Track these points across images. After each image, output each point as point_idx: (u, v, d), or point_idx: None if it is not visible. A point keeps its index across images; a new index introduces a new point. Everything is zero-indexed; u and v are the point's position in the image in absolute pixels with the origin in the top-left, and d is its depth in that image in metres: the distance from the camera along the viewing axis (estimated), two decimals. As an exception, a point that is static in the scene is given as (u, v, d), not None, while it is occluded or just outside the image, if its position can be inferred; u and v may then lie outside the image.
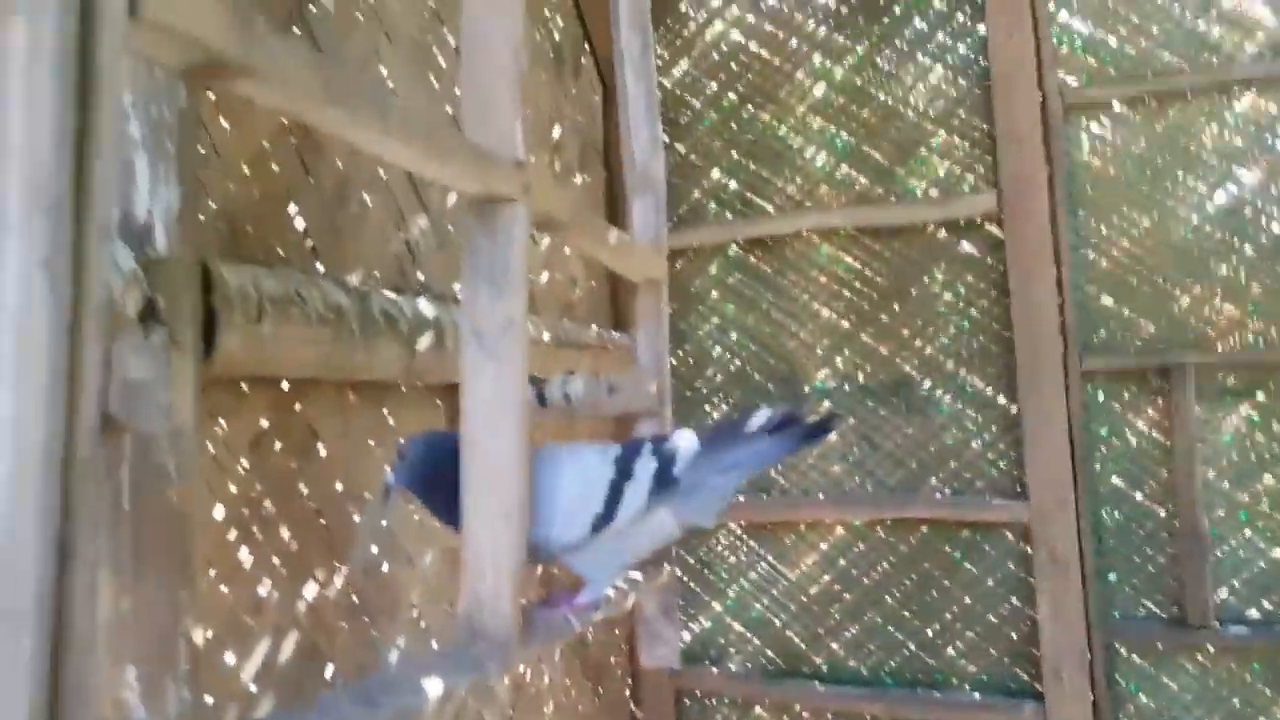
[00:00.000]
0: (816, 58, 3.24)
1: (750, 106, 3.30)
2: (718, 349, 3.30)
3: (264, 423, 1.57)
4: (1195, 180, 2.88)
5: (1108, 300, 2.94)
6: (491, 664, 1.36)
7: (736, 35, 3.34)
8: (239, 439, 1.51)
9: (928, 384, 3.07)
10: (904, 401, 3.09)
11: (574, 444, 1.78)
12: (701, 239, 3.29)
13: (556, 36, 2.96)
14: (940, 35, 3.10)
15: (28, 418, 0.70)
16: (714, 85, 3.35)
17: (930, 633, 3.01)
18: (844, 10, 3.22)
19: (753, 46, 3.32)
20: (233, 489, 1.49)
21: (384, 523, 1.86)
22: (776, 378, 3.22)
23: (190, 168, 1.21)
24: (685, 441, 1.60)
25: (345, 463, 1.76)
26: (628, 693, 3.20)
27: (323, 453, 1.71)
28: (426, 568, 2.01)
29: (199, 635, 1.34)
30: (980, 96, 3.03)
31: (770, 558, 3.19)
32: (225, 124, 1.51)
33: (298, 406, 1.65)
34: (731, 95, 3.33)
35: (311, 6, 1.75)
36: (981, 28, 3.03)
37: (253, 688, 1.50)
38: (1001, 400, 2.98)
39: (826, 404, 3.14)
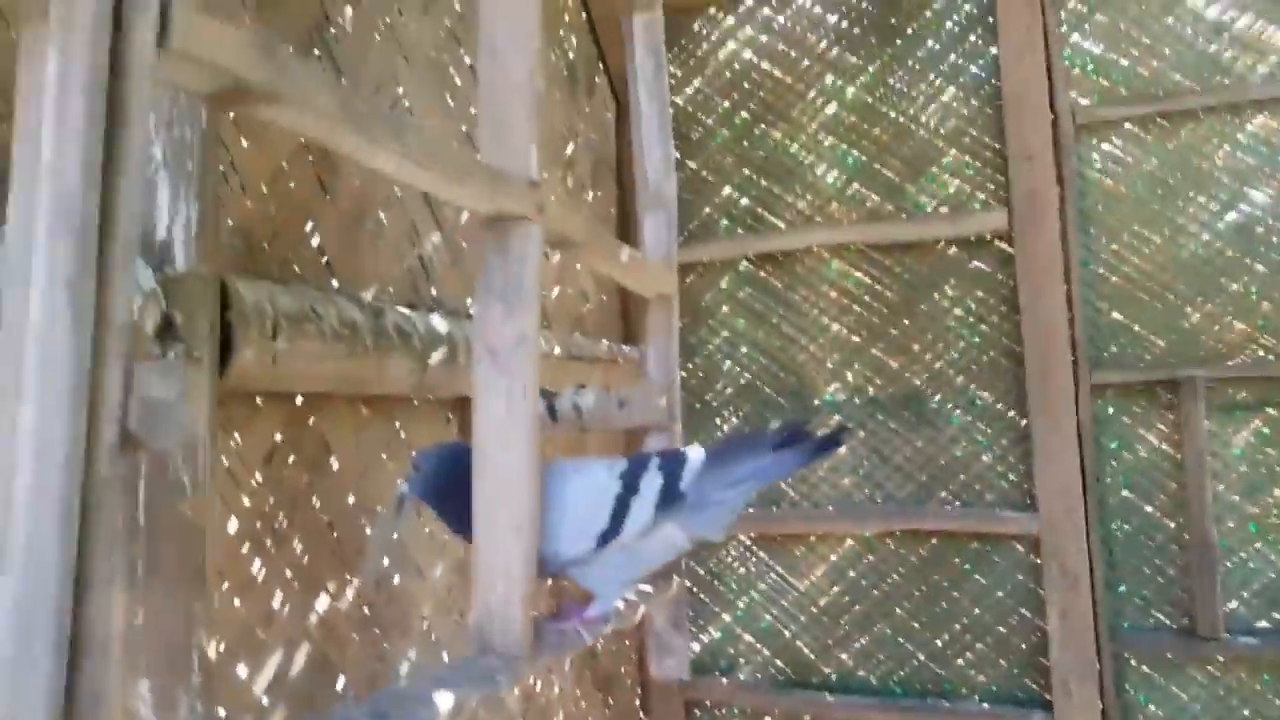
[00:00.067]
0: (829, 77, 3.25)
1: (762, 124, 3.31)
2: (728, 363, 3.31)
3: (278, 437, 1.59)
4: (1206, 199, 2.89)
5: (1118, 316, 2.95)
6: (502, 677, 1.37)
7: (749, 55, 3.35)
8: (253, 453, 1.53)
9: (938, 398, 3.07)
10: (914, 415, 3.09)
11: (581, 459, 1.80)
12: (712, 254, 3.30)
13: (571, 55, 2.99)
14: (953, 56, 3.12)
15: (49, 434, 0.72)
16: (726, 103, 3.36)
17: (940, 643, 3.01)
18: (856, 31, 3.23)
19: (765, 65, 3.33)
20: (246, 502, 1.50)
21: (395, 535, 1.88)
22: (786, 391, 3.23)
23: (209, 186, 1.24)
24: (692, 456, 1.62)
25: (357, 476, 1.78)
26: (637, 703, 3.20)
27: (335, 466, 1.73)
28: (437, 580, 2.02)
29: (212, 647, 1.36)
30: (992, 116, 3.04)
31: (780, 569, 3.19)
32: (244, 143, 1.54)
33: (311, 420, 1.67)
34: (744, 113, 3.34)
35: (331, 28, 1.78)
36: (994, 49, 3.04)
37: (265, 700, 1.51)
38: (1011, 414, 2.98)
39: (837, 418, 3.15)
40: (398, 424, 1.93)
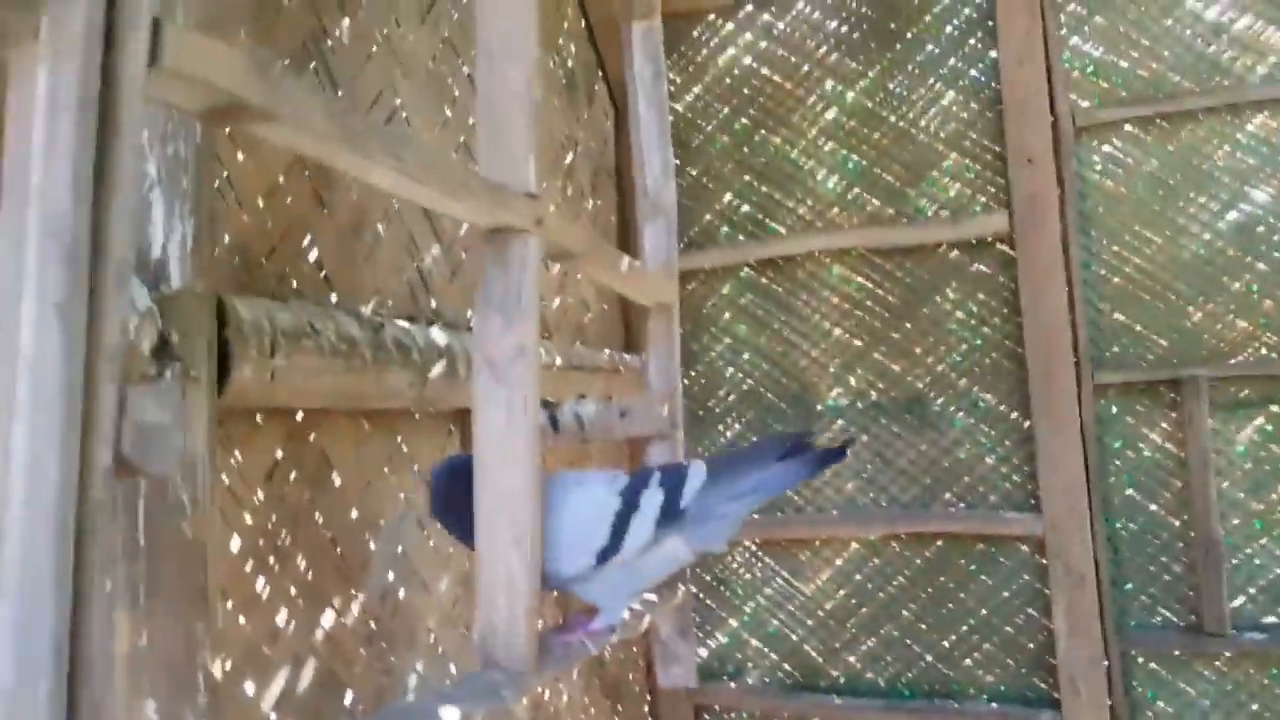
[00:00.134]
0: (829, 82, 3.25)
1: (762, 130, 3.31)
2: (730, 369, 3.30)
3: (279, 453, 1.58)
4: (1207, 199, 2.89)
5: (1120, 316, 2.94)
6: (507, 691, 1.37)
7: (749, 61, 3.35)
8: (254, 470, 1.52)
9: (940, 401, 3.07)
10: (917, 418, 3.09)
11: (582, 474, 1.79)
12: (713, 261, 3.29)
13: (569, 62, 2.99)
14: (952, 60, 3.11)
15: (42, 460, 0.71)
16: (726, 110, 3.35)
17: (947, 645, 3.01)
18: (856, 36, 3.23)
19: (765, 71, 3.32)
20: (249, 520, 1.50)
21: (399, 548, 1.87)
22: (789, 397, 3.23)
23: (205, 202, 1.23)
24: (694, 472, 1.61)
25: (360, 490, 1.78)
26: (647, 710, 3.20)
27: (337, 481, 1.72)
28: (443, 593, 2.02)
29: (217, 666, 1.35)
30: (992, 119, 3.04)
31: (785, 573, 3.19)
32: (240, 157, 1.53)
33: (311, 436, 1.66)
34: (743, 119, 3.34)
35: (327, 40, 1.78)
36: (993, 53, 3.04)
37: (272, 717, 1.50)
38: (1014, 415, 2.98)
39: (840, 423, 3.15)
40: (399, 437, 1.92)
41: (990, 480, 3.01)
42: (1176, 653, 2.83)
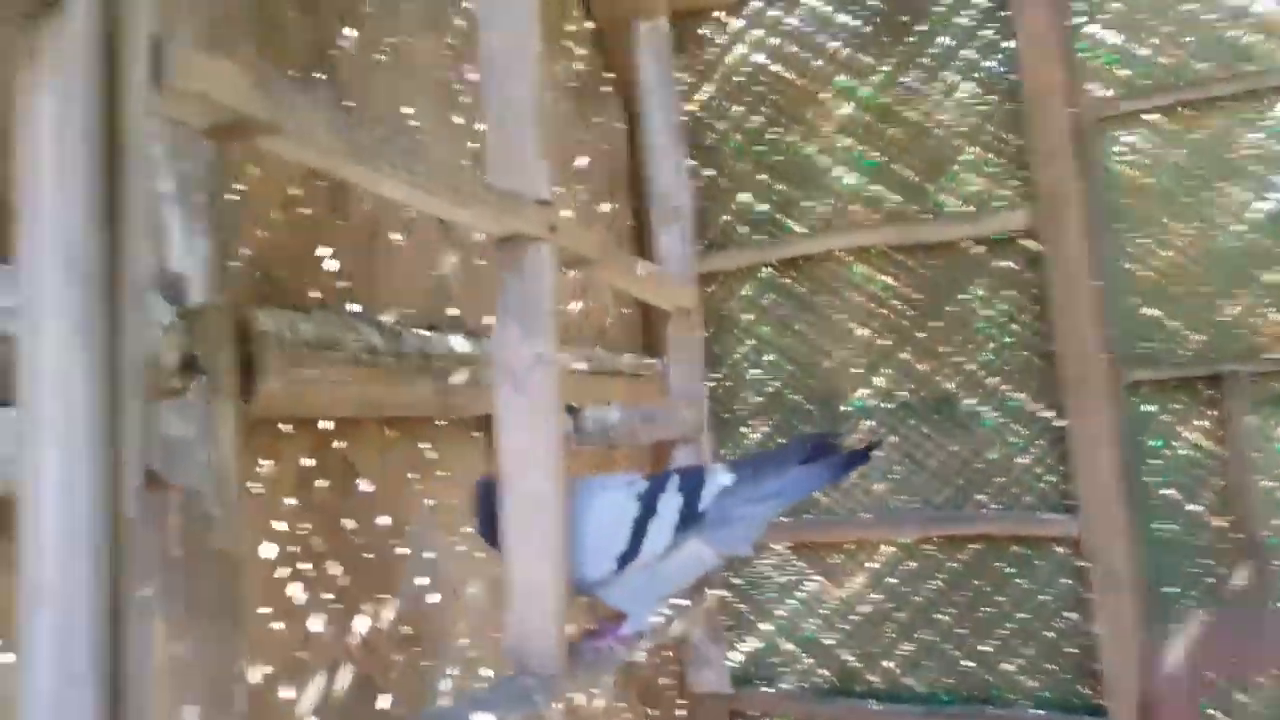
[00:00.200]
0: (842, 77, 3.23)
1: (776, 128, 3.29)
2: (754, 371, 3.28)
3: (306, 462, 1.60)
4: (1236, 188, 2.82)
5: (1152, 311, 2.88)
6: (539, 696, 1.38)
7: (759, 58, 3.32)
8: (284, 479, 1.54)
9: (969, 400, 3.03)
10: (946, 418, 3.05)
11: (602, 478, 1.79)
12: (733, 262, 3.26)
13: (577, 67, 2.99)
14: (967, 51, 3.08)
15: (74, 481, 0.73)
16: (739, 108, 3.34)
17: (986, 649, 2.97)
18: (867, 29, 3.20)
19: (776, 68, 3.30)
20: (280, 528, 1.52)
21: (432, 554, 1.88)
22: (815, 398, 3.20)
23: (222, 217, 1.25)
24: (713, 475, 1.61)
25: (386, 497, 1.79)
26: (684, 714, 3.19)
27: (364, 488, 1.74)
28: (476, 598, 2.03)
29: (255, 673, 1.37)
30: (1010, 111, 3.00)
31: (818, 576, 3.16)
32: (255, 170, 1.55)
33: (337, 445, 1.68)
34: (757, 117, 3.32)
35: (334, 50, 1.79)
36: (1009, 42, 3.00)
37: (306, 723, 1.52)
38: (1045, 414, 2.94)
39: (869, 424, 3.12)
40: (423, 444, 1.94)
41: (1024, 481, 2.96)
42: (1220, 657, 2.77)
